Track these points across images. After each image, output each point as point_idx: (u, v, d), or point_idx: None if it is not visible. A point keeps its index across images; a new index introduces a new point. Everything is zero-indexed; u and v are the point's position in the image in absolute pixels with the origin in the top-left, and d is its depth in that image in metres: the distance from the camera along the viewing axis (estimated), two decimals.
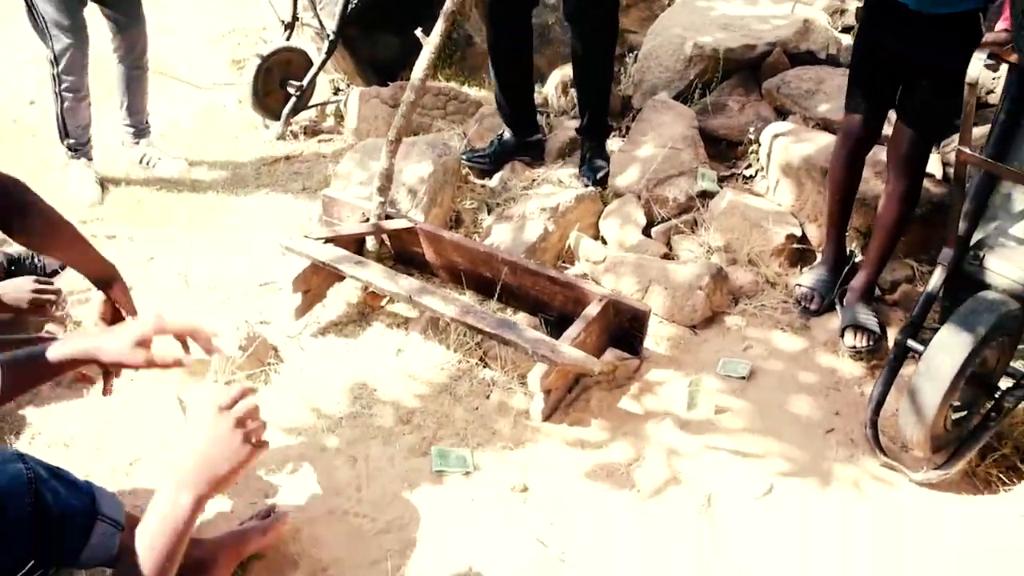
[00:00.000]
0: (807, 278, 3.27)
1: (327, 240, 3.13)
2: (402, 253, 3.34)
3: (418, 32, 3.03)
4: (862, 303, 3.09)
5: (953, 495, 2.55)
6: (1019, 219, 2.63)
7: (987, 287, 2.61)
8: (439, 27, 3.02)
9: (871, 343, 2.99)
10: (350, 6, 4.49)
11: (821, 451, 2.68)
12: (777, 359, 3.03)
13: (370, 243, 3.26)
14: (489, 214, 3.59)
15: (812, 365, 3.01)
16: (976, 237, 2.68)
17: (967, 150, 2.50)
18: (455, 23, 4.83)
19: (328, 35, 4.51)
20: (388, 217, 3.23)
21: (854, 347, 3.00)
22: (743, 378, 2.92)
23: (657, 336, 3.11)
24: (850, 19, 4.38)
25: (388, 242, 3.34)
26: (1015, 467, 2.60)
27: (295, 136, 4.66)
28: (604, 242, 3.51)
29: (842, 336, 3.04)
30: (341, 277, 3.13)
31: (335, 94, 5.05)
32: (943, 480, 2.54)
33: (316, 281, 3.15)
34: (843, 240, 3.25)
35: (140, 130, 4.27)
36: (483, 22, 3.85)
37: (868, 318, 3.05)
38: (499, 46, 3.75)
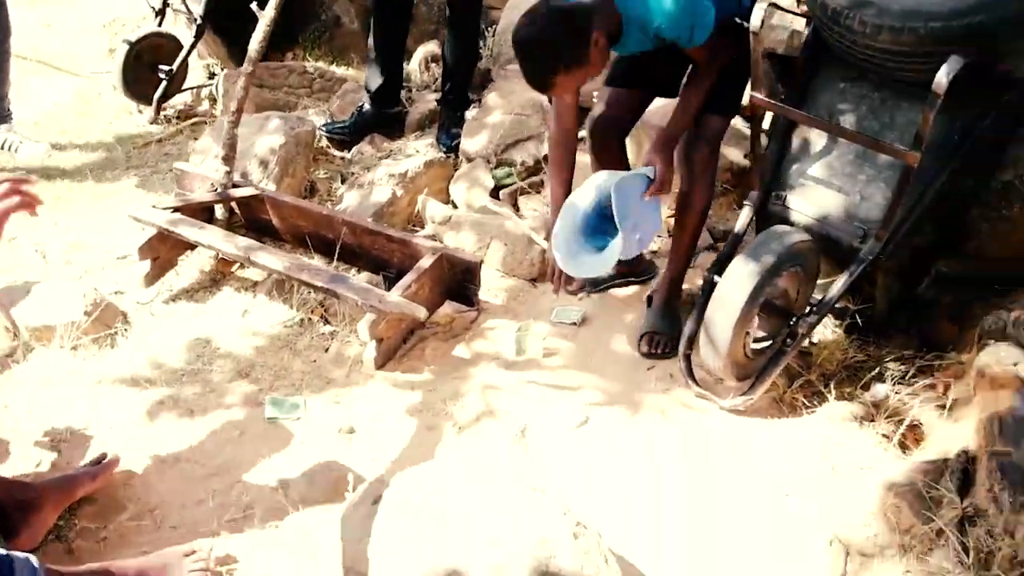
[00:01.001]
0: None
1: (175, 209, 3.21)
2: (253, 221, 3.43)
3: (253, 6, 3.12)
4: (664, 307, 2.99)
5: (761, 419, 2.70)
6: (815, 161, 2.80)
7: (790, 224, 2.78)
8: (274, 0, 3.12)
9: (667, 349, 2.92)
10: None
11: (640, 385, 2.82)
12: (611, 305, 3.17)
13: (219, 212, 3.34)
14: (343, 183, 3.69)
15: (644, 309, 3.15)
16: (780, 178, 2.85)
17: (759, 95, 2.67)
18: (322, 4, 4.93)
19: (195, 19, 4.57)
20: (235, 186, 3.32)
21: (648, 353, 2.93)
22: (575, 324, 3.05)
23: (496, 289, 3.24)
24: None
25: (238, 211, 3.42)
26: (819, 392, 2.76)
27: (168, 120, 4.71)
28: (455, 206, 3.63)
29: (640, 339, 2.97)
30: (191, 246, 3.21)
31: (210, 78, 5.11)
32: (751, 406, 2.70)
33: (163, 249, 3.22)
34: None
35: (1, 116, 4.30)
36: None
37: (667, 325, 2.96)
38: (383, 18, 3.85)
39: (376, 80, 3.93)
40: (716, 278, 2.74)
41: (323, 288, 2.86)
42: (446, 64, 3.93)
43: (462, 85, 3.93)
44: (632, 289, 3.23)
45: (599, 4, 2.49)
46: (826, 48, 2.75)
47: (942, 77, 2.28)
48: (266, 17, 3.11)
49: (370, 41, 3.90)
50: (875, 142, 2.52)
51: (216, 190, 3.29)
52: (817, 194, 2.78)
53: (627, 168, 3.03)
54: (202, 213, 3.31)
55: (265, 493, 2.41)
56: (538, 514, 1.98)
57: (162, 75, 4.67)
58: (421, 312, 2.79)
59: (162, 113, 4.75)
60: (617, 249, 2.51)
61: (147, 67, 4.72)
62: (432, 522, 1.96)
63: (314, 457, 2.54)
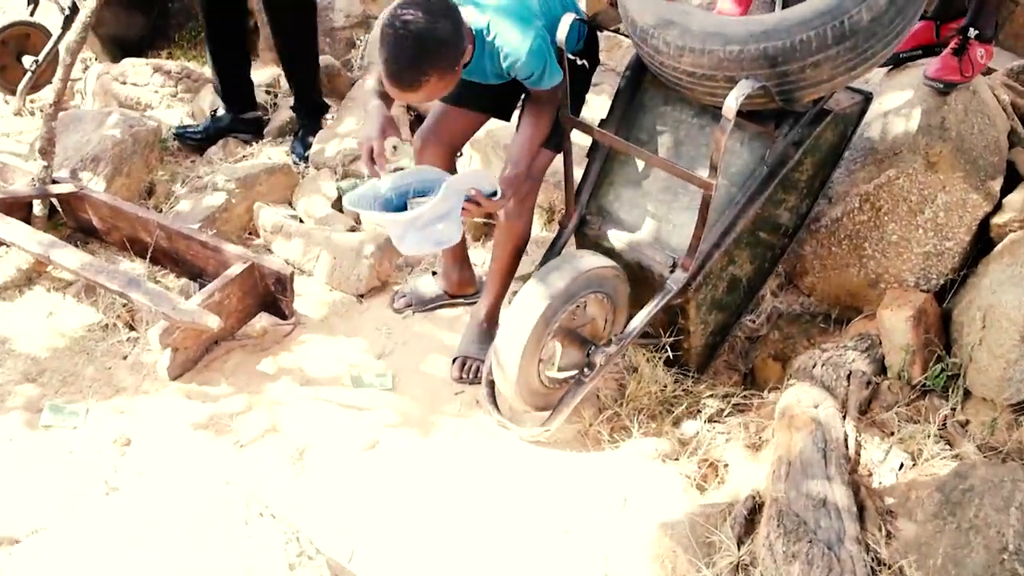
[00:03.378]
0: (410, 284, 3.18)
1: None
2: (75, 220, 3.30)
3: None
4: (478, 331, 2.87)
5: (560, 452, 2.59)
6: (630, 184, 2.73)
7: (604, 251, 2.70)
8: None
9: (478, 376, 2.79)
10: None
11: (441, 409, 2.72)
12: (435, 325, 3.07)
13: (37, 208, 3.20)
14: (183, 186, 3.56)
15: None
16: (597, 202, 2.78)
17: (570, 116, 2.58)
18: None
19: (64, 10, 4.42)
20: (56, 182, 3.18)
21: (459, 378, 2.82)
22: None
23: (320, 303, 3.13)
24: None
25: (60, 209, 3.28)
26: (626, 427, 2.67)
27: (32, 114, 4.55)
28: (301, 220, 3.50)
29: (452, 363, 2.86)
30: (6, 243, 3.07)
31: (84, 71, 4.96)
32: (550, 437, 2.60)
33: None
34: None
35: None
36: None
37: (481, 350, 2.82)
38: (212, 19, 3.72)
39: (219, 83, 3.80)
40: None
41: (117, 292, 2.74)
42: (284, 69, 3.83)
43: (307, 90, 3.82)
44: (459, 311, 3.13)
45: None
46: (648, 69, 2.69)
47: (731, 100, 2.22)
48: (87, 6, 2.99)
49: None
50: (672, 167, 2.45)
51: (35, 185, 3.15)
52: (631, 219, 2.70)
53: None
54: (20, 208, 3.16)
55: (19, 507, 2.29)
56: (253, 542, 1.86)
57: (27, 65, 4.51)
58: (213, 322, 2.66)
59: (29, 105, 4.59)
60: (397, 217, 2.32)
61: (13, 56, 4.56)
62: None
63: (76, 470, 2.41)
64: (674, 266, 2.58)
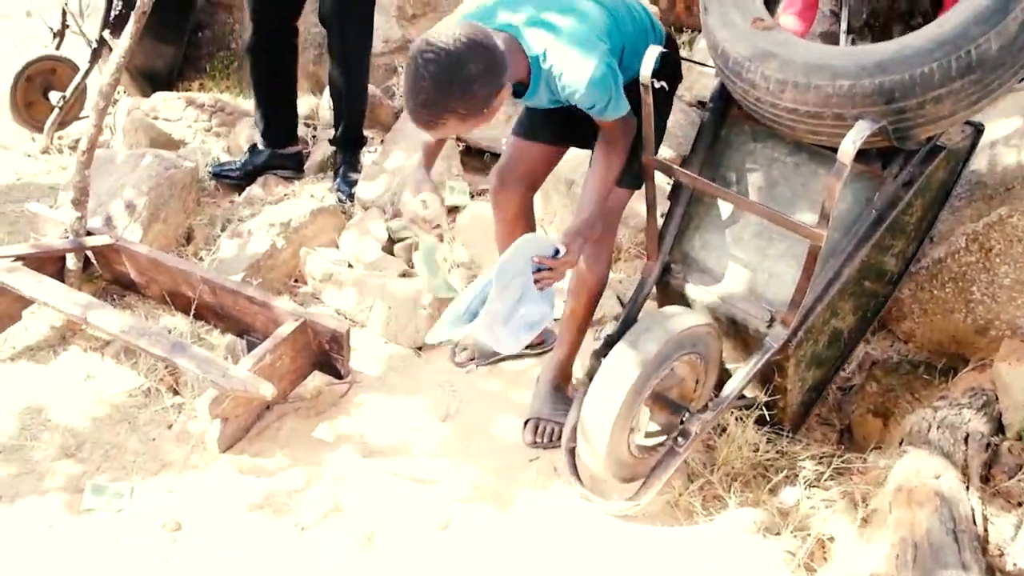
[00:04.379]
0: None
1: (19, 257, 2.86)
2: (111, 273, 3.09)
3: (105, 33, 2.79)
4: (551, 390, 2.64)
5: (649, 527, 2.36)
6: (719, 230, 2.49)
7: (688, 302, 2.47)
8: (130, 28, 2.80)
9: (554, 438, 2.58)
10: (113, 13, 4.22)
11: (517, 481, 2.49)
12: (501, 381, 2.84)
13: (71, 262, 2.99)
14: (223, 231, 3.35)
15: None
16: (680, 250, 2.54)
17: (653, 157, 2.35)
18: (232, 32, 4.60)
19: (91, 43, 4.24)
20: (90, 233, 2.97)
21: (533, 443, 2.59)
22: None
23: (376, 357, 2.91)
24: None
25: (95, 261, 3.07)
26: (721, 496, 2.43)
27: (60, 151, 4.36)
28: (350, 264, 3.28)
29: (524, 426, 2.63)
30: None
31: (114, 105, 4.77)
32: (640, 510, 2.37)
33: (3, 302, 2.87)
34: None
35: None
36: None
37: (555, 410, 2.61)
38: (258, 50, 3.52)
39: (261, 118, 3.59)
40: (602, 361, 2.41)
41: (162, 357, 2.52)
42: (333, 100, 3.61)
43: (354, 123, 3.60)
44: (528, 363, 2.90)
45: (513, 49, 2.14)
46: (736, 103, 2.46)
47: (848, 145, 1.97)
48: (121, 47, 2.78)
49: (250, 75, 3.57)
50: (773, 214, 2.20)
51: (68, 237, 2.95)
52: (720, 269, 2.47)
53: (531, 226, 2.72)
54: (53, 262, 2.96)
55: None
56: None
57: (54, 101, 4.33)
58: (267, 390, 2.44)
59: (57, 142, 4.40)
60: (479, 323, 2.08)
61: (39, 92, 4.39)
62: None
63: (123, 561, 2.19)
64: (772, 321, 2.34)
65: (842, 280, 2.30)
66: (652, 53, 2.21)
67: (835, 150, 2.01)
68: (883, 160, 2.28)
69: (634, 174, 2.44)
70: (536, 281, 2.17)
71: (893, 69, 2.00)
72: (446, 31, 1.98)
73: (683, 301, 2.51)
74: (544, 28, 2.18)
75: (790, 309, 2.26)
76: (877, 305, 2.65)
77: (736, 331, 2.44)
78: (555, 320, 2.62)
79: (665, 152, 3.39)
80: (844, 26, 3.08)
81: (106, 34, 3.65)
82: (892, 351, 2.83)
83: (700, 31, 4.29)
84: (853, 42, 3.72)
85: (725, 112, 2.52)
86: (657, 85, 2.30)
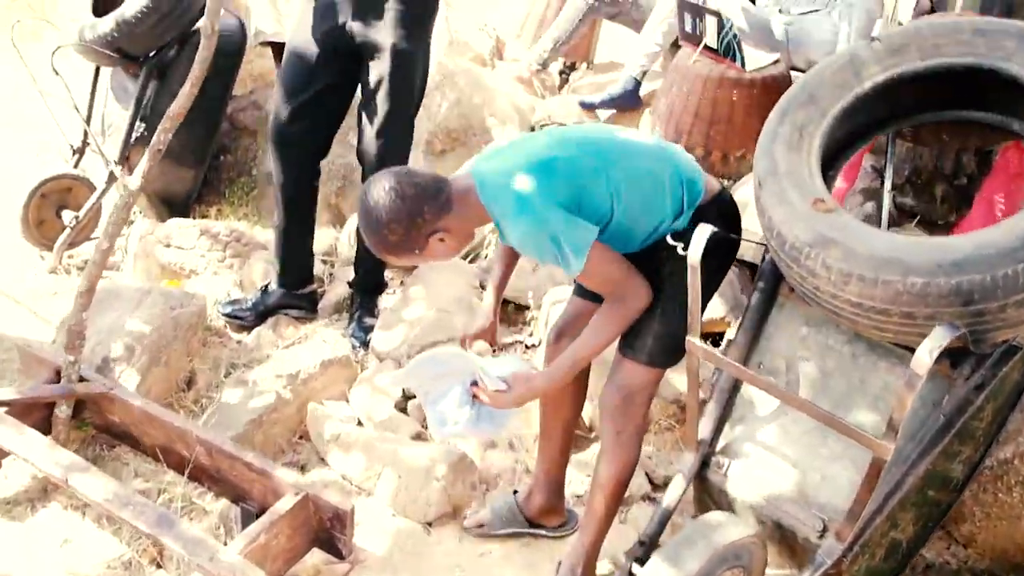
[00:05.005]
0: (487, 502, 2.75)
1: (3, 403, 2.66)
2: (103, 420, 2.87)
3: (117, 170, 2.64)
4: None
5: None
6: (766, 423, 2.27)
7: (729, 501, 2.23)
8: (143, 164, 2.65)
9: None
10: (135, 135, 4.11)
11: None
12: (513, 566, 2.58)
13: (60, 409, 2.78)
14: (226, 377, 3.14)
15: None
16: (722, 442, 2.31)
17: (696, 341, 2.14)
18: (254, 158, 4.48)
19: (109, 162, 4.11)
20: (83, 379, 2.77)
21: None
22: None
23: (382, 532, 2.66)
24: None
25: (87, 407, 2.86)
26: None
27: (68, 272, 4.20)
28: (359, 422, 3.06)
29: None
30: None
31: (128, 227, 4.62)
32: None
33: None
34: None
35: None
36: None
37: None
38: (282, 188, 3.38)
39: (277, 257, 3.42)
40: (635, 568, 2.16)
41: (145, 533, 2.28)
42: (358, 241, 3.44)
43: (376, 268, 3.42)
44: (543, 544, 2.64)
45: (467, 196, 2.09)
46: (785, 282, 2.26)
47: (924, 355, 1.76)
48: (131, 185, 2.63)
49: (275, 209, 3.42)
50: (832, 419, 1.98)
51: (58, 382, 2.74)
52: (767, 467, 2.23)
53: (582, 385, 2.53)
54: (39, 409, 2.75)
55: None
56: None
57: (67, 221, 4.19)
58: None
59: (66, 262, 4.25)
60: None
61: (53, 210, 4.26)
62: None
63: None
64: (824, 530, 2.10)
65: (904, 490, 2.06)
66: (702, 234, 2.03)
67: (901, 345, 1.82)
68: (952, 359, 2.06)
69: (666, 351, 2.24)
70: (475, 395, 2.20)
71: (972, 268, 1.81)
72: (381, 176, 2.08)
73: (723, 498, 2.27)
74: (499, 177, 2.09)
75: (846, 521, 2.02)
76: (939, 513, 2.40)
77: (782, 536, 2.19)
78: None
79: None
80: (888, 184, 2.94)
81: (118, 170, 3.49)
82: (949, 555, 2.58)
83: (736, 180, 4.16)
84: (894, 199, 3.55)
85: (774, 292, 2.33)
86: (679, 249, 2.14)
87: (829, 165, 2.30)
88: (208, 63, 2.61)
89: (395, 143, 3.26)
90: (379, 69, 3.13)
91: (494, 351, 2.88)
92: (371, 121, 3.19)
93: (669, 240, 2.18)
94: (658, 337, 2.20)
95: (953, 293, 1.82)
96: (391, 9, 3.08)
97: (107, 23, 3.94)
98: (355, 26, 3.11)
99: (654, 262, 2.21)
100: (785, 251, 2.03)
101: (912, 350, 1.98)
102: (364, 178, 3.33)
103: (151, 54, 4.08)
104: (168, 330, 3.08)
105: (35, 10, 6.20)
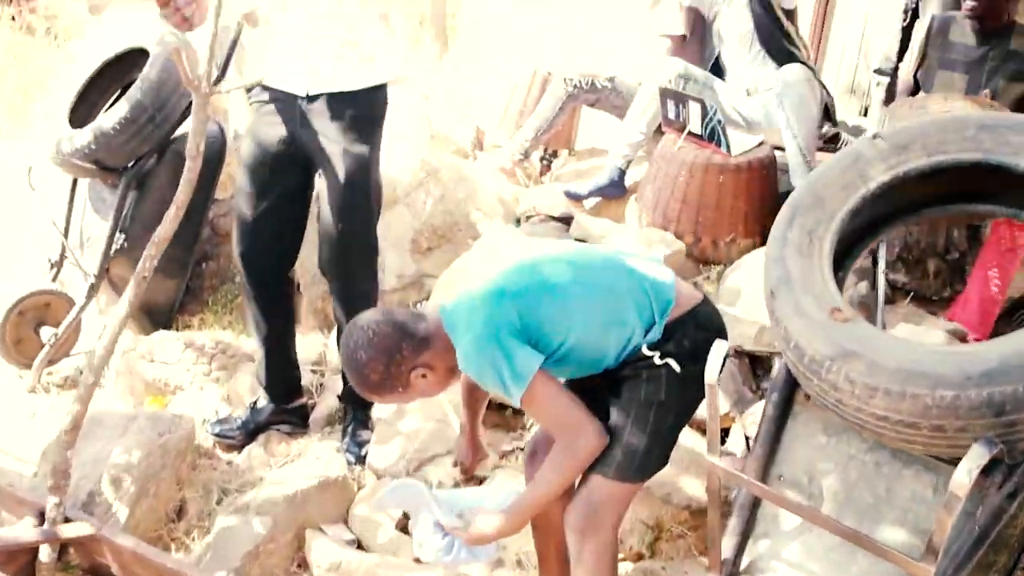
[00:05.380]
0: None
1: None
2: (89, 563, 2.73)
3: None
4: None
5: None
6: (791, 539, 2.17)
7: None
8: (129, 293, 2.56)
9: None
10: (115, 247, 4.02)
11: None
12: None
13: (44, 553, 2.63)
14: (219, 504, 3.01)
15: None
16: (746, 560, 2.21)
17: (717, 461, 2.05)
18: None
19: (88, 276, 4.02)
20: (67, 520, 2.63)
21: None
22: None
23: None
24: None
25: (72, 551, 2.72)
26: None
27: (47, 390, 4.07)
28: (359, 544, 2.93)
29: None
30: None
31: None
32: None
33: None
34: None
35: None
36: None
37: None
38: (254, 300, 3.28)
39: (263, 369, 3.31)
40: None
41: None
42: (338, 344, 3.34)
43: None
44: None
45: (431, 330, 2.13)
46: (800, 388, 2.19)
47: (963, 476, 1.69)
48: (119, 314, 2.53)
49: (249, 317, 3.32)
50: (862, 539, 1.89)
51: (41, 525, 2.61)
52: None
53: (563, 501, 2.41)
54: (24, 553, 2.61)
55: None
56: None
57: (45, 338, 4.07)
58: None
59: (45, 380, 4.11)
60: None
61: (31, 327, 4.14)
62: None
63: None
64: None
65: None
66: (719, 351, 1.96)
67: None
68: (984, 468, 1.98)
69: (637, 466, 2.18)
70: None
71: (1003, 379, 1.75)
72: (359, 318, 2.14)
73: None
74: (456, 307, 2.15)
75: None
76: None
77: None
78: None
79: None
80: (882, 264, 2.92)
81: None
82: None
83: (727, 265, 4.11)
84: (887, 277, 3.49)
85: (789, 400, 2.25)
86: (660, 361, 2.09)
87: (839, 265, 2.25)
88: (194, 184, 2.52)
89: (358, 250, 3.15)
90: (333, 175, 3.02)
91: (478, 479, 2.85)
92: (330, 230, 3.09)
93: (644, 351, 2.11)
94: (628, 451, 2.13)
95: (985, 405, 1.75)
96: (339, 114, 2.98)
97: (85, 135, 3.89)
98: (304, 133, 3.02)
99: (627, 373, 2.18)
100: (804, 364, 1.96)
101: (940, 458, 1.93)
102: (332, 291, 3.24)
103: (130, 164, 4.00)
104: (156, 458, 2.96)
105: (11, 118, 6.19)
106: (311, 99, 2.97)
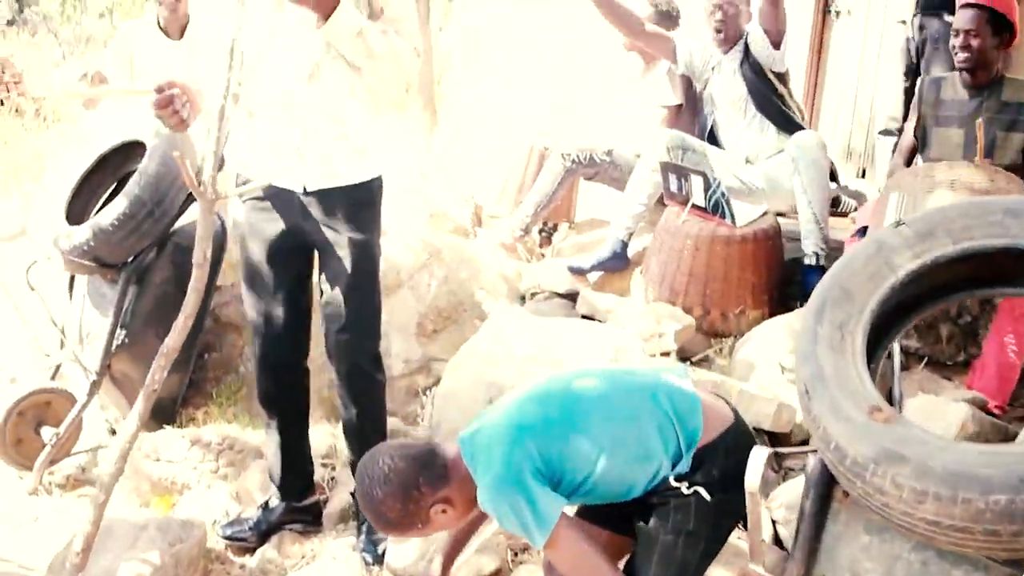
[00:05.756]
0: None
1: None
2: None
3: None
4: None
5: None
6: None
7: None
8: (139, 407, 2.49)
9: None
10: (116, 344, 3.96)
11: None
12: None
13: None
14: None
15: None
16: None
17: (760, 571, 1.99)
18: (240, 354, 4.33)
19: (89, 373, 3.94)
20: None
21: None
22: None
23: None
24: (668, 343, 3.98)
25: None
26: None
27: (49, 491, 3.97)
28: None
29: None
30: None
31: (112, 435, 4.42)
32: None
33: None
34: None
35: None
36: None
37: None
38: (267, 400, 3.23)
39: (277, 467, 3.24)
40: None
41: None
42: (348, 444, 3.27)
43: None
44: None
45: (449, 463, 2.07)
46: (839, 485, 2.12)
47: None
48: (128, 430, 2.46)
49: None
50: None
51: None
52: None
53: None
54: None
55: None
56: None
57: (46, 438, 3.98)
58: None
59: (47, 481, 4.02)
60: None
61: (31, 427, 4.05)
62: None
63: None
64: None
65: None
66: (758, 458, 1.90)
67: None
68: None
69: None
70: None
71: None
72: (379, 451, 2.08)
73: None
74: (476, 440, 2.08)
75: None
76: None
77: None
78: None
79: None
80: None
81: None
82: None
83: (739, 336, 4.06)
84: (899, 343, 3.44)
85: (827, 498, 2.18)
86: (688, 491, 2.03)
87: (870, 355, 2.20)
88: (202, 292, 2.47)
89: (364, 337, 3.11)
90: (338, 264, 2.99)
91: None
92: (335, 318, 3.05)
93: (672, 482, 2.08)
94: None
95: None
96: (339, 205, 2.95)
97: (83, 232, 3.84)
98: (306, 224, 2.99)
99: (655, 501, 2.13)
100: (846, 466, 1.90)
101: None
102: (338, 377, 3.18)
103: (129, 259, 3.95)
104: (169, 569, 2.87)
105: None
106: (307, 193, 2.93)
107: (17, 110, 9.49)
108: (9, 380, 4.57)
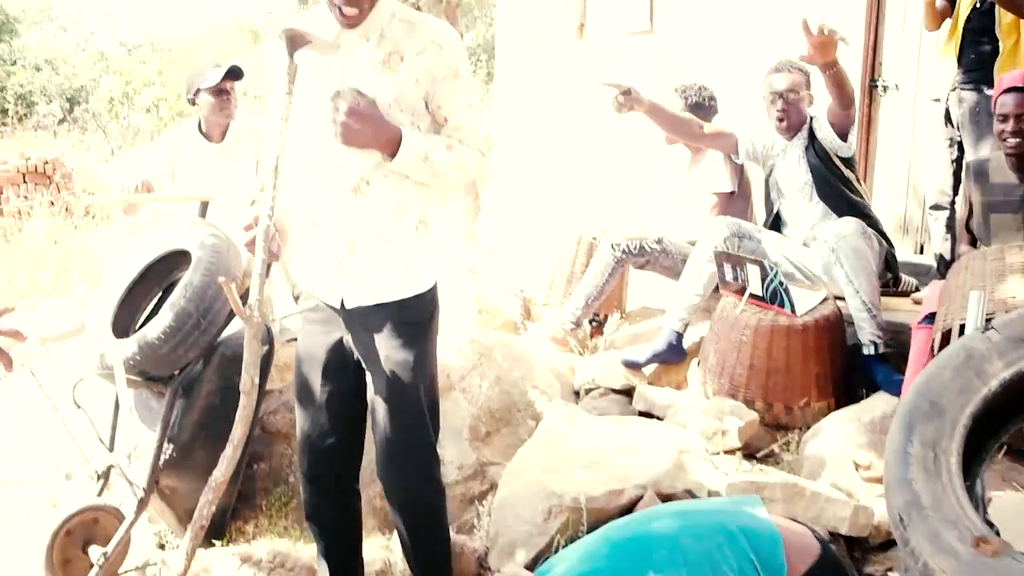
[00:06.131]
0: None
1: None
2: None
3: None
4: None
5: None
6: None
7: None
8: (187, 546, 2.38)
9: None
10: (163, 458, 3.87)
11: None
12: None
13: None
14: None
15: None
16: None
17: None
18: (289, 464, 4.22)
19: (137, 490, 3.85)
20: None
21: None
22: None
23: None
24: (732, 440, 3.81)
25: None
26: None
27: None
28: None
29: None
30: None
31: (160, 549, 4.31)
32: None
33: None
34: None
35: None
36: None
37: None
38: (317, 515, 3.10)
39: None
40: None
41: None
42: (406, 559, 3.12)
43: None
44: None
45: None
46: None
47: None
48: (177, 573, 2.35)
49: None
50: None
51: None
52: None
53: None
54: None
55: None
56: None
57: (94, 558, 3.87)
58: None
59: None
60: None
61: (79, 547, 3.95)
62: None
63: None
64: None
65: None
66: None
67: None
68: None
69: None
70: None
71: None
72: None
73: None
74: None
75: None
76: None
77: None
78: None
79: None
80: None
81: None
82: None
83: (805, 429, 3.89)
84: None
85: None
86: None
87: (966, 472, 2.04)
88: (250, 420, 2.37)
89: (411, 462, 2.94)
90: (376, 384, 2.86)
91: None
92: (381, 443, 2.91)
93: None
94: None
95: None
96: (384, 321, 2.82)
97: (129, 346, 3.78)
98: (350, 339, 2.88)
99: None
100: None
101: None
102: (390, 501, 3.05)
103: (176, 372, 3.89)
104: None
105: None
106: (346, 308, 2.84)
107: (68, 209, 9.65)
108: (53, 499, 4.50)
